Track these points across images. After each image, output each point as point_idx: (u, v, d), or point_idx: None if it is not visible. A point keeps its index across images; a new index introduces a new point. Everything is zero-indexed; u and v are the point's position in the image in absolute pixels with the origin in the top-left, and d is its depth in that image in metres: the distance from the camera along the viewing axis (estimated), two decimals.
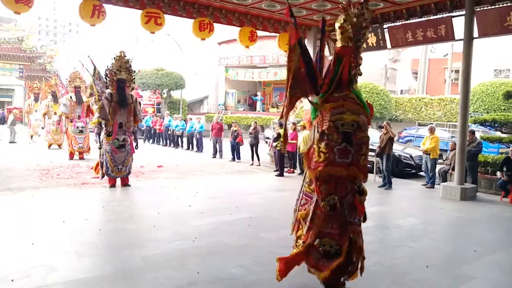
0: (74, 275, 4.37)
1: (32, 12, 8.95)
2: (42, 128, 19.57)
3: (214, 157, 16.15)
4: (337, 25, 3.84)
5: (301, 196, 4.05)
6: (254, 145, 14.12)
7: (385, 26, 10.96)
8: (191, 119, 19.94)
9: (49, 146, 17.24)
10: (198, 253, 5.16)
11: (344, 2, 3.83)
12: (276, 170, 12.36)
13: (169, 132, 20.47)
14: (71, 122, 14.59)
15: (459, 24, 9.85)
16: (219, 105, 32.01)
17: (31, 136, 20.93)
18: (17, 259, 4.76)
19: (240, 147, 15.16)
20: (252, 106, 33.05)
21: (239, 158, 15.13)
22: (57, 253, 5.01)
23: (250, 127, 15.14)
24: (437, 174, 10.99)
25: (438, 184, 10.50)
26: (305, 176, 4.01)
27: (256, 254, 5.18)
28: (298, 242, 4.02)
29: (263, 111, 31.06)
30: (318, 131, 3.78)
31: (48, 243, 5.37)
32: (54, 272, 4.41)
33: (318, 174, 3.68)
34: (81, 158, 14.30)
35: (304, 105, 13.90)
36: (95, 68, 10.16)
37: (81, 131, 14.35)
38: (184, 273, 4.52)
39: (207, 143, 18.34)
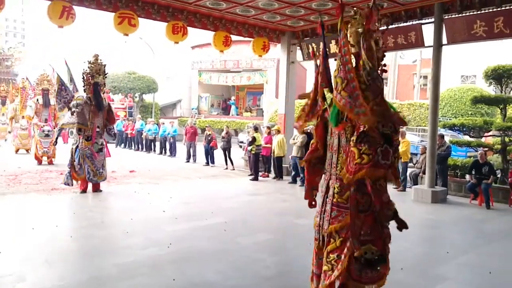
0: (44, 284, 4.24)
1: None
2: (9, 132, 18.88)
3: (188, 161, 15.98)
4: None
5: (330, 208, 3.62)
6: (226, 149, 14.08)
7: None
8: (163, 123, 19.66)
9: (17, 151, 16.62)
10: (173, 259, 5.07)
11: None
12: (250, 174, 12.33)
13: (142, 136, 20.14)
14: (36, 125, 14.12)
15: (428, 31, 10.15)
16: (193, 109, 31.76)
17: None
18: None
19: (214, 151, 15.07)
20: (226, 110, 32.97)
21: (213, 162, 15.03)
22: (26, 261, 4.85)
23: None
24: (408, 178, 11.22)
25: (410, 187, 10.72)
26: (328, 187, 3.66)
27: (232, 259, 5.13)
28: (329, 257, 3.55)
29: (237, 114, 31.06)
30: (349, 135, 3.48)
31: (17, 251, 5.20)
32: (23, 282, 4.27)
33: (362, 176, 3.28)
34: (50, 163, 13.86)
35: (279, 109, 14.01)
36: (69, 71, 9.90)
37: (47, 135, 13.86)
38: (159, 280, 4.43)
39: (181, 148, 18.13)
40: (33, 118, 14.26)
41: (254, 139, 12.16)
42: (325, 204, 3.66)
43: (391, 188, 10.95)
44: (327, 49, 3.81)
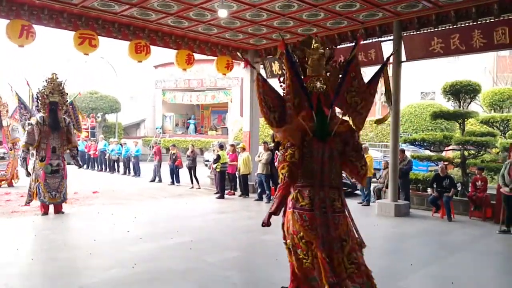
0: None
1: None
2: None
3: (153, 181, 15.64)
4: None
5: (332, 215, 3.91)
6: (191, 168, 13.92)
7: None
8: (125, 143, 19.25)
9: None
10: (138, 279, 4.97)
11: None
12: (216, 193, 12.19)
13: (105, 157, 19.63)
14: None
15: (388, 48, 10.51)
16: (157, 128, 31.33)
17: None
18: None
19: (180, 170, 14.85)
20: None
21: (178, 181, 14.80)
22: None
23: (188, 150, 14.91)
24: (372, 192, 11.41)
25: (373, 201, 10.90)
26: (323, 198, 3.91)
27: (199, 278, 5.06)
28: (351, 256, 3.94)
29: (194, 133, 30.90)
30: (339, 148, 4.07)
31: None
32: None
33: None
34: (10, 185, 13.32)
35: (244, 127, 14.02)
36: (18, 97, 9.63)
37: (2, 157, 13.28)
38: None
39: (145, 167, 17.76)
40: None
41: (219, 157, 12.07)
42: (324, 214, 3.84)
43: (355, 203, 11.15)
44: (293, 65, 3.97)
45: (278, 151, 4.12)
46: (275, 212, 3.92)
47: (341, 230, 3.91)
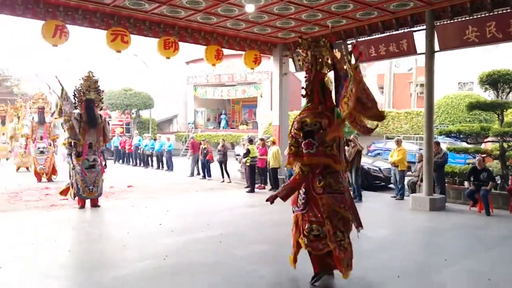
0: None
1: None
2: (10, 151, 18.98)
3: (192, 175, 15.85)
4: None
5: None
6: (222, 162, 14.04)
7: (348, 42, 11.21)
8: (160, 137, 19.70)
9: (18, 169, 16.73)
10: (168, 271, 5.10)
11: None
12: (247, 187, 12.27)
13: (139, 152, 20.15)
14: (33, 142, 14.19)
15: (420, 38, 10.20)
16: (189, 123, 31.81)
17: None
18: None
19: (211, 164, 15.03)
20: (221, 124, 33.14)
21: (209, 175, 14.98)
22: (26, 276, 4.93)
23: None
24: (406, 186, 11.15)
25: (408, 195, 10.65)
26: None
27: (227, 271, 5.13)
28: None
29: (226, 128, 31.10)
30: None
31: (17, 266, 5.27)
32: None
33: None
34: (49, 180, 13.92)
35: (273, 121, 14.01)
36: (63, 89, 9.97)
37: (42, 152, 13.98)
38: None
39: (178, 162, 18.07)
40: (31, 136, 14.37)
41: (248, 151, 12.13)
42: (349, 195, 4.61)
43: (388, 197, 10.94)
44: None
45: (312, 139, 4.40)
46: (283, 198, 4.54)
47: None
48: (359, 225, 4.61)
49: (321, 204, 4.37)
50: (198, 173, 15.75)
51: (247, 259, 5.52)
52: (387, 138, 22.06)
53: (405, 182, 11.12)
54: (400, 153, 10.81)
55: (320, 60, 4.59)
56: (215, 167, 14.89)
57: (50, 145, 14.43)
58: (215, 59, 11.55)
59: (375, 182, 13.10)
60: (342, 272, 4.32)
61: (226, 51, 12.05)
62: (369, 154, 19.79)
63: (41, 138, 14.36)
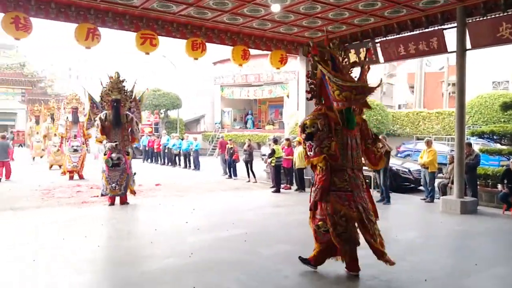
0: None
1: (32, 37, 9.19)
2: (43, 150, 19.71)
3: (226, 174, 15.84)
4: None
5: (365, 194, 4.87)
6: (248, 162, 14.08)
7: (376, 40, 11.03)
8: (187, 137, 19.98)
9: (51, 167, 17.31)
10: (194, 268, 5.18)
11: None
12: (272, 187, 12.26)
13: (166, 151, 20.49)
14: (67, 141, 14.71)
15: (451, 36, 9.92)
16: (216, 123, 32.10)
17: (33, 158, 21.09)
18: (18, 276, 4.84)
19: (236, 164, 15.11)
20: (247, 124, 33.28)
21: (235, 175, 15.06)
22: (57, 269, 5.09)
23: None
24: (436, 188, 10.86)
25: (438, 198, 10.37)
26: (356, 179, 4.86)
27: (252, 269, 5.15)
28: (376, 228, 4.86)
29: (252, 128, 31.14)
30: (359, 136, 4.98)
31: (49, 260, 5.45)
32: None
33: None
34: (81, 178, 14.35)
35: (299, 121, 13.92)
36: (90, 97, 10.35)
37: (75, 150, 14.43)
38: None
39: (204, 161, 18.30)
40: (65, 135, 14.91)
41: (273, 151, 12.12)
42: (360, 192, 4.75)
43: (418, 199, 10.69)
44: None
45: (311, 142, 4.71)
46: (320, 199, 4.72)
47: (370, 206, 4.81)
48: (377, 217, 4.91)
49: (326, 202, 4.68)
50: (225, 173, 15.87)
51: (272, 259, 5.53)
52: (418, 139, 21.58)
53: (436, 184, 10.83)
54: (430, 154, 10.54)
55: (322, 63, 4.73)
56: (241, 167, 14.98)
57: (83, 144, 14.91)
58: (241, 59, 11.61)
59: (404, 184, 12.82)
60: (342, 260, 4.85)
61: (252, 51, 12.08)
62: (399, 155, 19.42)
63: (75, 137, 14.86)
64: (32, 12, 8.84)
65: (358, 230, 4.76)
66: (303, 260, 5.06)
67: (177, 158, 19.87)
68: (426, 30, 9.96)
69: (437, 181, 10.97)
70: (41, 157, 20.86)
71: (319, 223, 4.77)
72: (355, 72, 4.96)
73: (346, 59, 4.90)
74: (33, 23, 8.86)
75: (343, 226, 4.61)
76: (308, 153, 4.76)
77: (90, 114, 10.87)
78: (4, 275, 4.89)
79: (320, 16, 10.09)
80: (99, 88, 10.07)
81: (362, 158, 4.96)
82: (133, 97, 10.38)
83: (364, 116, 5.10)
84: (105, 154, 9.37)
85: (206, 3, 9.16)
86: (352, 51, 10.92)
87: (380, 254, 4.70)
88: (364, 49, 11.08)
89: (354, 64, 4.98)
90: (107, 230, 7.42)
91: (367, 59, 4.87)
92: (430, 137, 16.11)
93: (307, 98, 5.16)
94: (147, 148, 22.50)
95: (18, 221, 7.76)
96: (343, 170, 4.67)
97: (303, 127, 4.83)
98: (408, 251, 6.04)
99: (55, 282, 4.65)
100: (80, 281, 4.73)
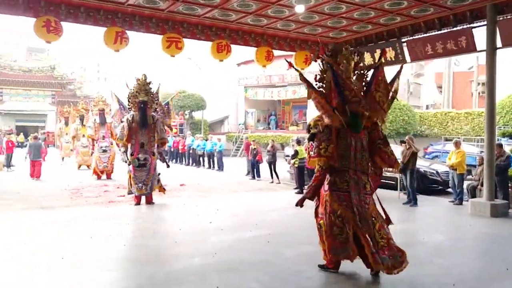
0: None
1: (63, 40, 9.48)
2: (72, 150, 20.27)
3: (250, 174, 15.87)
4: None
5: (365, 197, 4.84)
6: (271, 163, 14.07)
7: (403, 40, 10.85)
8: (211, 137, 20.15)
9: (79, 167, 17.83)
10: (218, 268, 5.22)
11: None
12: (296, 188, 12.22)
13: (191, 152, 20.71)
14: (96, 142, 15.09)
15: (481, 34, 9.66)
16: (239, 124, 32.22)
17: (62, 158, 21.70)
18: (47, 273, 4.98)
19: (260, 165, 15.13)
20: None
21: (259, 176, 15.08)
22: (84, 267, 5.21)
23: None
24: (465, 190, 10.58)
25: (467, 200, 10.10)
26: (358, 181, 4.86)
27: (274, 270, 5.15)
28: (381, 232, 4.76)
29: (275, 129, 31.07)
30: (367, 139, 5.04)
31: (76, 257, 5.60)
32: (80, 285, 4.61)
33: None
34: (109, 178, 14.69)
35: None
36: (117, 99, 10.55)
37: (104, 151, 14.80)
38: (204, 287, 4.62)
39: (228, 162, 18.39)
40: (94, 136, 15.30)
41: (296, 152, 12.07)
42: (360, 195, 4.74)
43: (446, 202, 10.44)
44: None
45: (313, 142, 4.88)
46: (310, 198, 4.99)
47: (371, 209, 4.79)
48: (389, 222, 4.90)
49: (325, 201, 4.83)
50: (248, 173, 15.90)
51: (294, 260, 5.52)
52: (446, 139, 21.06)
53: (464, 186, 10.55)
54: (459, 156, 10.28)
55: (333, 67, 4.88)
56: (264, 167, 14.99)
57: (112, 144, 15.25)
58: (265, 61, 11.64)
59: (432, 185, 12.55)
60: (335, 255, 4.82)
61: (277, 52, 12.09)
62: (426, 156, 18.98)
63: (103, 137, 15.22)
64: (62, 16, 9.11)
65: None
66: (322, 267, 5.10)
67: (201, 158, 20.05)
68: (454, 28, 9.74)
69: (466, 183, 10.70)
70: (69, 157, 21.47)
71: (321, 221, 4.91)
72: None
73: (358, 64, 5.05)
74: (63, 27, 9.14)
75: (339, 227, 4.69)
76: (310, 153, 4.96)
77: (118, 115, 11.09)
78: (34, 271, 5.04)
79: (345, 16, 10.01)
80: (126, 90, 10.27)
81: (371, 161, 5.00)
82: (158, 99, 10.54)
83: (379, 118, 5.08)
84: (131, 155, 9.52)
85: (230, 5, 9.23)
86: (378, 51, 10.79)
87: (374, 261, 4.59)
88: (378, 50, 10.98)
89: (370, 67, 5.11)
90: (132, 229, 7.56)
91: (382, 61, 4.97)
92: (458, 138, 15.73)
93: (309, 98, 5.27)
94: (172, 149, 22.80)
95: (48, 219, 7.97)
96: (345, 171, 4.79)
97: (308, 128, 5.08)
98: (436, 254, 5.91)
99: (82, 279, 4.77)
100: (106, 279, 4.83)
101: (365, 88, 4.96)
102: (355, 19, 10.24)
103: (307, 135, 5.05)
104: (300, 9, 9.25)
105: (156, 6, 9.38)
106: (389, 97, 4.96)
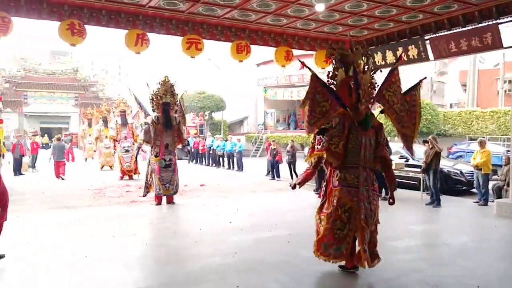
0: (121, 286, 4.65)
1: (85, 43, 9.66)
2: (95, 151, 20.67)
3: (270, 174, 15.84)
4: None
5: (372, 193, 4.98)
6: (291, 163, 14.02)
7: (426, 37, 10.63)
8: (231, 138, 20.23)
9: (102, 167, 18.16)
10: (237, 268, 5.24)
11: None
12: (316, 188, 12.12)
13: (211, 152, 20.84)
14: (118, 143, 15.37)
15: (507, 31, 9.38)
16: (259, 125, 32.22)
17: (86, 159, 22.16)
18: (71, 271, 5.08)
19: (280, 165, 15.09)
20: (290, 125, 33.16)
21: (278, 176, 15.05)
22: (107, 265, 5.31)
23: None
24: (490, 191, 10.31)
25: (492, 201, 9.84)
26: (366, 178, 4.97)
27: (293, 271, 5.15)
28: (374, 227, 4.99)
29: (295, 129, 30.93)
30: (374, 137, 5.12)
31: (100, 256, 5.69)
32: (103, 284, 4.69)
33: None
34: (130, 178, 14.91)
35: None
36: (136, 98, 10.64)
37: (127, 151, 15.07)
38: (224, 286, 4.65)
39: (248, 162, 18.42)
40: (116, 137, 15.58)
41: None
42: (368, 192, 4.90)
43: (470, 202, 10.19)
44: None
45: (322, 136, 4.96)
46: (300, 185, 5.27)
47: (376, 205, 4.96)
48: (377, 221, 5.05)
49: (333, 196, 4.90)
50: (268, 173, 15.88)
51: (314, 261, 5.42)
52: (470, 139, 20.59)
53: (490, 187, 10.28)
54: (484, 155, 10.02)
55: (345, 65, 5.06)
56: (284, 168, 14.95)
57: (133, 144, 15.51)
58: (284, 61, 11.58)
59: (456, 186, 12.28)
60: (314, 252, 4.96)
61: (296, 52, 12.03)
62: (450, 156, 18.62)
63: (125, 138, 15.50)
64: (85, 20, 9.28)
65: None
66: (342, 267, 5.12)
67: (221, 159, 20.15)
68: (480, 25, 9.47)
69: (491, 183, 10.42)
70: (92, 158, 21.88)
71: (322, 216, 5.03)
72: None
73: (367, 65, 5.17)
74: (86, 29, 9.31)
75: (343, 222, 4.80)
76: (316, 146, 5.01)
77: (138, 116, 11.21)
78: (60, 269, 5.16)
79: (366, 14, 9.88)
80: (147, 90, 10.39)
81: (375, 157, 5.10)
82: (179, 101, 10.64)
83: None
84: (156, 156, 9.64)
85: (250, 5, 9.23)
86: (400, 49, 10.62)
87: (364, 258, 4.74)
88: (400, 48, 10.81)
89: (378, 68, 5.41)
90: (154, 229, 7.66)
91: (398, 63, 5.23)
92: (483, 137, 15.34)
93: None
94: (192, 150, 22.99)
95: (71, 219, 8.14)
96: (356, 167, 4.89)
97: None
98: (460, 256, 5.78)
99: (105, 278, 4.86)
100: (128, 277, 4.91)
101: (373, 91, 5.11)
102: (376, 17, 10.10)
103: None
104: (320, 7, 9.19)
105: (177, 8, 9.47)
106: (408, 109, 5.10)
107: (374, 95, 5.03)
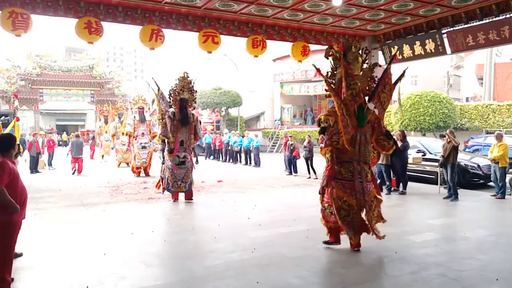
0: (142, 283, 4.62)
1: (101, 40, 9.74)
2: (112, 148, 20.80)
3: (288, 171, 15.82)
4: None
5: (367, 184, 5.52)
6: (308, 159, 14.03)
7: (443, 31, 10.56)
8: (248, 134, 20.30)
9: (119, 164, 18.24)
10: (257, 263, 5.24)
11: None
12: None
13: (228, 148, 20.94)
14: (135, 139, 15.53)
15: None
16: (275, 120, 32.23)
17: (102, 156, 22.31)
18: (91, 268, 5.11)
19: (297, 160, 15.11)
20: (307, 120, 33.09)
21: (296, 171, 15.09)
22: (126, 262, 5.31)
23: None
24: (508, 184, 10.22)
25: (510, 194, 9.78)
26: (361, 171, 5.51)
27: (313, 265, 5.15)
28: (374, 213, 5.62)
29: (312, 124, 30.85)
30: (370, 133, 5.60)
31: (118, 253, 5.71)
32: (123, 280, 4.69)
33: None
34: (147, 175, 15.00)
35: None
36: (159, 89, 10.60)
37: (144, 147, 15.21)
38: (244, 282, 4.61)
39: (265, 158, 18.38)
40: (133, 133, 15.73)
41: None
42: (362, 183, 5.38)
43: (488, 196, 10.12)
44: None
45: (324, 135, 5.40)
46: (326, 185, 5.46)
47: (371, 195, 5.47)
48: (380, 201, 5.74)
49: (331, 188, 5.42)
50: (286, 169, 15.95)
51: (334, 255, 5.53)
52: (487, 132, 20.28)
53: (507, 180, 10.18)
54: (501, 149, 9.94)
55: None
56: (301, 163, 14.98)
57: (151, 141, 15.67)
58: (301, 56, 11.61)
59: (473, 179, 12.19)
60: (347, 234, 5.56)
61: (313, 47, 12.04)
62: (467, 150, 18.40)
63: (143, 134, 15.66)
64: (101, 16, 9.36)
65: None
66: (326, 243, 5.82)
67: (238, 155, 20.22)
68: (497, 18, 9.39)
69: (508, 177, 10.31)
70: (108, 155, 22.04)
71: (325, 204, 5.62)
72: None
73: (366, 62, 5.53)
74: (103, 27, 9.37)
75: (346, 210, 5.39)
76: (320, 145, 5.46)
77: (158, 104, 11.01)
78: (78, 266, 5.18)
79: (384, 8, 9.86)
80: (163, 86, 10.40)
81: (373, 149, 5.65)
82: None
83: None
84: (170, 152, 9.54)
85: (267, 1, 9.26)
86: (417, 42, 10.57)
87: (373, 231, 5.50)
88: (418, 42, 10.75)
89: (375, 65, 5.66)
90: (172, 225, 7.60)
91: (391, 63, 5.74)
92: (500, 130, 15.13)
93: (325, 96, 5.93)
94: (210, 146, 23.15)
95: (89, 216, 8.18)
96: (350, 162, 5.36)
97: (318, 122, 5.60)
98: (478, 249, 5.79)
99: (124, 274, 4.85)
100: (148, 274, 4.90)
101: (373, 86, 5.47)
102: (393, 11, 10.07)
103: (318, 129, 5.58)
104: (337, 2, 9.19)
105: (193, 4, 9.52)
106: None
107: (373, 89, 5.39)
